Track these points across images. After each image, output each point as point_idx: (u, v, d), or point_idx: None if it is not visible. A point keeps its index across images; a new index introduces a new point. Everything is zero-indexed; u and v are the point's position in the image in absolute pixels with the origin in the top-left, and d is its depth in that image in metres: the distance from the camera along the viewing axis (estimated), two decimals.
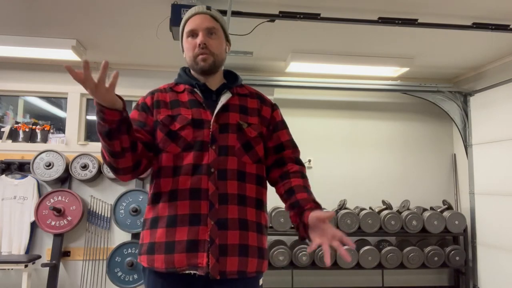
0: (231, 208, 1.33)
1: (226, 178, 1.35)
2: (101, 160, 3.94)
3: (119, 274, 3.76)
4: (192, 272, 1.29)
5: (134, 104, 5.07)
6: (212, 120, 1.38)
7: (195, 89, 1.44)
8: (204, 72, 1.44)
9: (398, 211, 4.16)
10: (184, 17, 1.47)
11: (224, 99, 1.42)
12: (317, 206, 1.33)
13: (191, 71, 1.50)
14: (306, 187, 1.40)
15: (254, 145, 1.42)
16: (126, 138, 1.24)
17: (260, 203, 1.42)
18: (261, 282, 1.43)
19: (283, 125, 1.54)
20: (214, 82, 1.48)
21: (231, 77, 1.55)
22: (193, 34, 1.43)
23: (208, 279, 1.29)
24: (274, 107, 1.55)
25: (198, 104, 1.41)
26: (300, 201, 1.35)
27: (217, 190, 1.33)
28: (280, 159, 1.48)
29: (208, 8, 1.46)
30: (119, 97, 1.21)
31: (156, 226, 1.34)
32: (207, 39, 1.42)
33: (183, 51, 1.50)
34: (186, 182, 1.33)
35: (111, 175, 3.93)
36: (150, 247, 1.33)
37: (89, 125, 4.28)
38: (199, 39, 1.41)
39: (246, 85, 1.56)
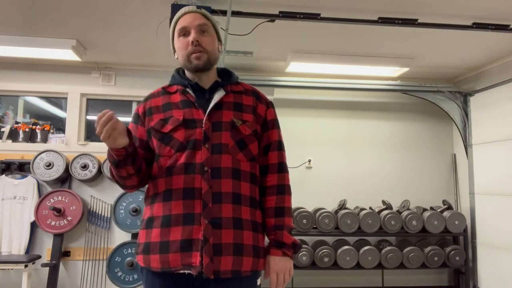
0: (225, 207, 1.33)
1: (220, 176, 1.34)
2: (101, 160, 3.96)
3: (119, 274, 3.76)
4: (186, 271, 1.29)
5: (134, 105, 5.00)
6: (204, 119, 1.37)
7: (187, 89, 1.43)
8: (199, 70, 1.42)
9: (398, 211, 4.16)
10: (175, 17, 1.46)
11: (217, 97, 1.41)
12: (276, 236, 1.40)
13: (185, 71, 1.49)
14: (276, 209, 1.44)
15: (248, 143, 1.41)
16: (131, 167, 1.36)
17: (254, 201, 1.42)
18: (259, 282, 1.42)
19: (274, 125, 1.50)
20: (207, 80, 1.46)
21: (225, 75, 1.53)
22: (185, 32, 1.42)
23: (204, 278, 1.29)
24: (269, 105, 1.52)
25: (190, 104, 1.40)
26: (267, 228, 1.44)
27: (211, 189, 1.32)
28: (263, 167, 1.47)
29: (199, 7, 1.46)
30: (128, 131, 1.31)
31: (151, 226, 1.35)
32: (199, 37, 1.40)
33: (174, 52, 1.49)
34: (179, 182, 1.33)
35: None
36: (146, 247, 1.35)
37: (89, 125, 4.28)
38: (191, 37, 1.40)
39: (242, 82, 1.53)
